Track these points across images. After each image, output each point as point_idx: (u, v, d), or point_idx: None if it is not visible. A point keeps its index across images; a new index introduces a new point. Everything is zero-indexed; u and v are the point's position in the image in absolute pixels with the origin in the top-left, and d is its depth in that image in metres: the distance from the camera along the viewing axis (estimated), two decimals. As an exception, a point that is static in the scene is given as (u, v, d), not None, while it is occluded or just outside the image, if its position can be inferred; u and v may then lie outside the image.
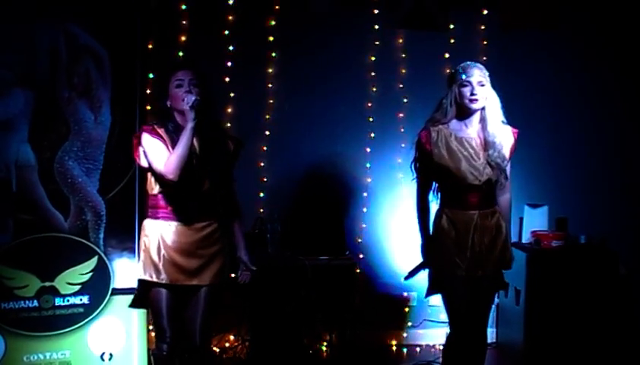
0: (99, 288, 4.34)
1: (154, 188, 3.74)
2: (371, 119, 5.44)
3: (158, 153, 3.65)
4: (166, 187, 3.68)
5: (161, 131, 3.70)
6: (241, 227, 3.96)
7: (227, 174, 3.83)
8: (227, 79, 5.26)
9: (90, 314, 4.34)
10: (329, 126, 5.39)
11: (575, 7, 5.04)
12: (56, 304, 4.27)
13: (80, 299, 4.32)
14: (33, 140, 4.25)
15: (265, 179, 5.36)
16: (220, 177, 3.77)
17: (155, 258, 3.71)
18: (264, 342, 4.97)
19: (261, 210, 5.30)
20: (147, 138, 3.69)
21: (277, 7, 5.24)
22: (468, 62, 3.84)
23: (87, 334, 4.35)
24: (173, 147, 3.63)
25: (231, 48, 5.26)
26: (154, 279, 3.71)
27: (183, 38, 5.18)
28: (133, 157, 3.80)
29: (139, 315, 4.41)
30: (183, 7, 5.17)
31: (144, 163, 3.74)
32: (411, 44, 5.40)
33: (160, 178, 3.68)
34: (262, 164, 5.32)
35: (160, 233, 3.72)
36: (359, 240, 5.45)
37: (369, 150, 5.45)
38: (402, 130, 5.38)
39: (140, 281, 3.79)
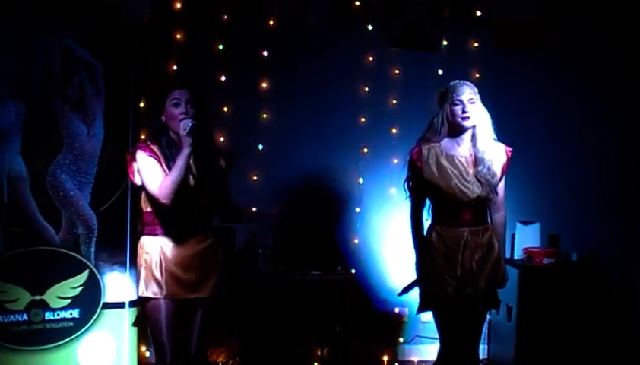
0: (89, 302, 4.32)
1: (149, 205, 3.73)
2: (364, 135, 5.44)
3: (152, 174, 3.64)
4: (160, 206, 3.68)
5: (155, 147, 3.70)
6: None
7: (222, 189, 3.84)
8: (221, 93, 5.26)
9: (81, 328, 4.32)
10: (322, 141, 5.39)
11: (569, 25, 5.06)
12: (46, 318, 4.25)
13: (71, 314, 4.31)
14: (25, 152, 4.23)
15: (258, 194, 5.35)
16: (215, 194, 3.77)
17: (157, 274, 3.68)
18: (255, 358, 4.96)
19: (253, 224, 5.29)
20: (141, 157, 3.67)
21: (271, 22, 5.24)
22: (458, 81, 3.87)
23: (77, 349, 4.33)
24: (167, 163, 3.64)
25: (225, 62, 5.26)
26: (158, 296, 3.68)
27: (178, 52, 5.18)
28: (126, 172, 3.79)
29: (129, 330, 4.39)
30: (178, 21, 5.17)
31: (137, 181, 3.73)
32: (405, 60, 5.41)
33: (152, 199, 3.68)
34: (255, 178, 5.32)
35: (159, 249, 3.70)
36: (352, 255, 5.44)
37: (361, 165, 5.45)
38: (395, 145, 5.38)
39: (141, 299, 3.75)
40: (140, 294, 3.74)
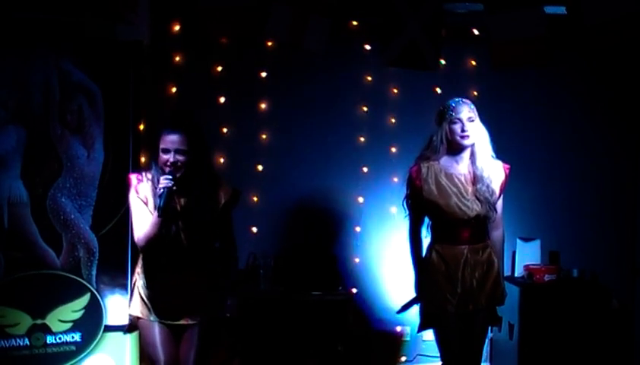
0: (91, 325, 4.31)
1: None
2: (363, 154, 5.45)
3: (136, 217, 3.78)
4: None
5: (148, 183, 3.78)
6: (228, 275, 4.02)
7: (218, 226, 3.86)
8: (220, 114, 5.27)
9: (82, 352, 4.31)
10: (322, 161, 5.40)
11: (567, 45, 5.10)
12: (48, 342, 4.24)
13: (72, 337, 4.30)
14: (25, 176, 4.24)
15: (258, 215, 5.35)
16: (208, 230, 3.80)
17: (144, 296, 3.79)
18: (257, 378, 4.95)
19: (254, 245, 5.29)
20: (132, 197, 3.80)
21: (269, 43, 5.26)
22: (456, 99, 3.89)
23: (79, 373, 4.32)
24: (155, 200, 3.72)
25: (224, 84, 5.28)
26: (143, 317, 3.81)
27: (176, 75, 5.20)
28: (126, 195, 3.85)
29: (131, 353, 4.38)
30: (176, 45, 5.19)
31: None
32: (403, 79, 5.43)
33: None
34: (255, 199, 5.32)
35: (150, 271, 3.79)
36: (353, 275, 5.44)
37: (361, 184, 5.46)
38: (394, 164, 5.39)
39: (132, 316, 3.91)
40: (130, 313, 3.91)
